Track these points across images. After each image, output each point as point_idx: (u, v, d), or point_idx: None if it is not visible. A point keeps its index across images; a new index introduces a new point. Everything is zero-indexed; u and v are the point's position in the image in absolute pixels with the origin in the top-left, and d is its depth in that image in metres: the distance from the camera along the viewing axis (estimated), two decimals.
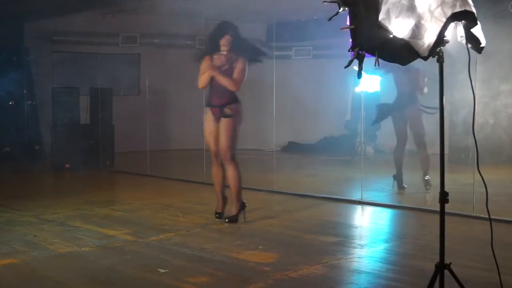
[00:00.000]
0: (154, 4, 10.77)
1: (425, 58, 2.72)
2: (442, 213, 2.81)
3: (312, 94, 12.28)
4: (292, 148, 13.42)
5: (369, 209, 6.53)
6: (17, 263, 4.28)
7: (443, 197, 2.80)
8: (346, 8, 2.88)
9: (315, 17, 11.34)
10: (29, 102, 12.25)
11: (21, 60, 12.11)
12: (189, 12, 11.48)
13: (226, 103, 5.55)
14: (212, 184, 5.93)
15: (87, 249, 4.67)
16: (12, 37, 11.90)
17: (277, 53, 10.40)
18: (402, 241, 5.02)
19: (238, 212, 5.68)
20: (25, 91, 12.13)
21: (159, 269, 4.08)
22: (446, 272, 2.88)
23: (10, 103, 11.87)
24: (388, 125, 7.73)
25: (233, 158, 5.61)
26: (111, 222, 5.77)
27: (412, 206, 6.55)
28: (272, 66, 8.24)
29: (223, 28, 5.63)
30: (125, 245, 4.80)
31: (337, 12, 2.91)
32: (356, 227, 5.75)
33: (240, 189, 5.67)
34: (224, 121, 5.55)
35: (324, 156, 11.52)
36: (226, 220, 5.68)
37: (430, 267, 3.07)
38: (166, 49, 13.45)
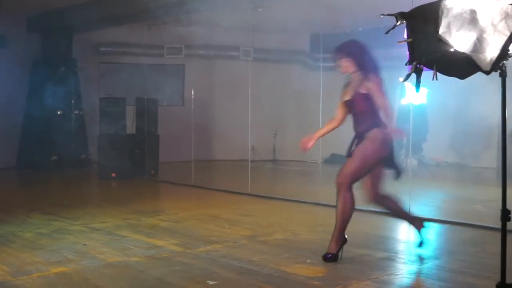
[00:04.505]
0: (199, 16, 10.88)
1: (488, 73, 2.66)
2: (503, 231, 2.74)
3: None
4: (334, 159, 13.31)
5: None
6: (69, 271, 4.34)
7: (505, 215, 2.72)
8: (404, 22, 2.86)
9: (360, 29, 11.27)
10: (77, 112, 12.52)
11: (69, 70, 12.39)
12: (234, 23, 11.57)
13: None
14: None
15: (136, 259, 4.70)
16: (61, 48, 12.22)
17: (324, 64, 10.37)
18: (454, 257, 4.89)
19: (338, 250, 4.66)
20: (72, 101, 12.40)
21: (208, 281, 4.08)
22: None
23: (58, 112, 12.14)
24: (434, 137, 7.51)
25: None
26: (158, 232, 5.81)
27: (461, 221, 6.40)
28: (319, 77, 8.21)
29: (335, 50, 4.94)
30: (173, 256, 4.82)
31: (395, 25, 2.89)
32: (405, 242, 5.65)
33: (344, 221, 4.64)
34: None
35: None
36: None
37: (484, 284, 3.00)
38: (210, 60, 13.57)
